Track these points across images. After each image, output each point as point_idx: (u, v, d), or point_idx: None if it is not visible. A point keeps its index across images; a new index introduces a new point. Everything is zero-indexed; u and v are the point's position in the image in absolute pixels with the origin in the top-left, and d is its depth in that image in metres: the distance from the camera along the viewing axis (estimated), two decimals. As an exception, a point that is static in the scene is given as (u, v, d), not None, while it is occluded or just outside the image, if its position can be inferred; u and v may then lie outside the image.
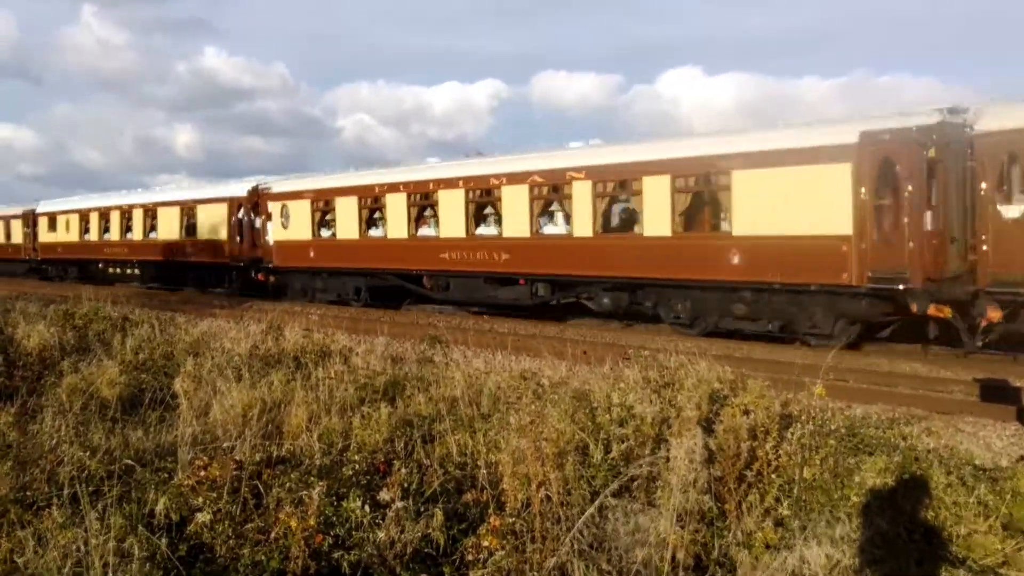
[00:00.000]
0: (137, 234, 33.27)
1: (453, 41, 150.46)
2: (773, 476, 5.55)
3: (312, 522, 4.67)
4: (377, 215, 23.04)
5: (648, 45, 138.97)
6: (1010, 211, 12.33)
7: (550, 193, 18.85)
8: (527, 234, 18.87)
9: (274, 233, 25.87)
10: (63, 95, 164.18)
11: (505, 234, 19.39)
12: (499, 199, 19.64)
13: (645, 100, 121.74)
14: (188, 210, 30.13)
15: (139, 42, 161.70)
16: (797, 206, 14.08)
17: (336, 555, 4.56)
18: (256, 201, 27.10)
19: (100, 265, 36.12)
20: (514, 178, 19.16)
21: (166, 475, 5.63)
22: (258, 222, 27.06)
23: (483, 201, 20.35)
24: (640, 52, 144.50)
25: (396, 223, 22.08)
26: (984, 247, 12.63)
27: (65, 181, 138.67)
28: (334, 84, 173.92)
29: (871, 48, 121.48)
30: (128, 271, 34.62)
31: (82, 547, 4.30)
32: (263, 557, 4.48)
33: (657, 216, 16.27)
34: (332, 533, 4.76)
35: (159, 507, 5.09)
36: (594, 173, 17.53)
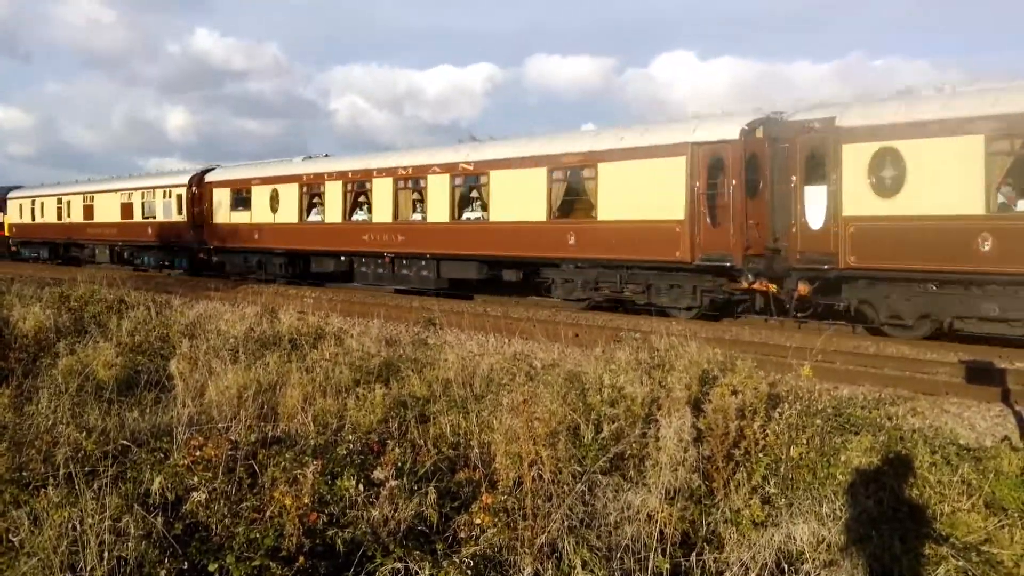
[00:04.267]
0: (437, 212, 20.71)
1: (446, 22, 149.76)
2: (760, 455, 5.64)
3: (307, 500, 4.73)
4: None
5: (641, 28, 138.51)
6: None
7: None
8: None
9: (852, 203, 13.50)
10: (53, 74, 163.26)
11: None
12: None
13: (639, 84, 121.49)
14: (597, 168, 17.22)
15: (129, 20, 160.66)
16: None
17: (330, 532, 4.62)
18: (754, 148, 15.25)
19: (357, 260, 23.54)
20: None
21: (162, 455, 5.67)
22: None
23: None
24: (634, 35, 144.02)
25: None
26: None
27: (55, 161, 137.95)
28: (327, 66, 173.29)
29: (865, 31, 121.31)
30: (417, 272, 21.50)
31: (78, 526, 4.33)
32: (258, 535, 4.54)
33: None
34: (326, 511, 4.83)
35: (155, 486, 5.13)
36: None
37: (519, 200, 18.80)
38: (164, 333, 11.11)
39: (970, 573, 4.62)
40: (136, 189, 33.86)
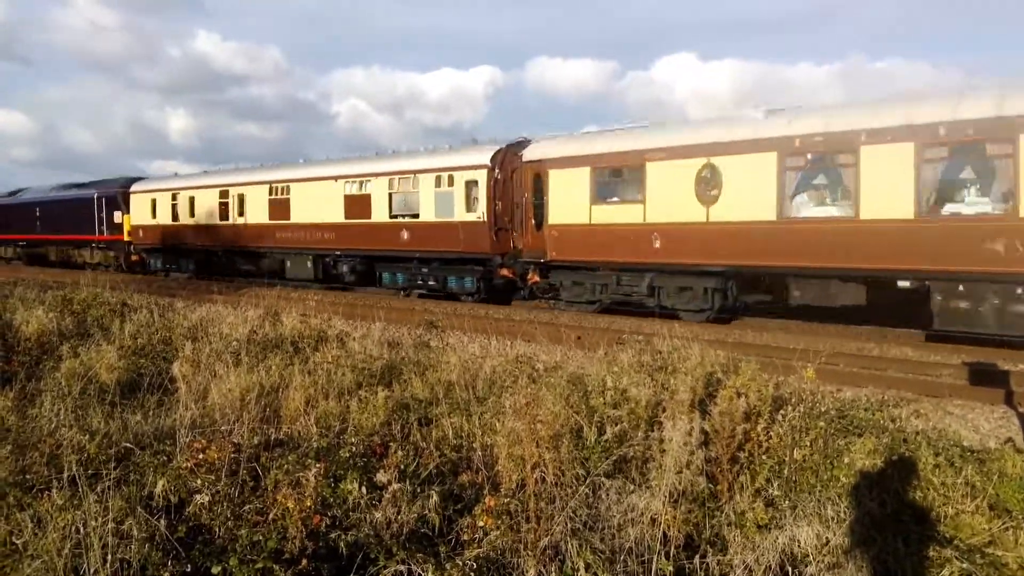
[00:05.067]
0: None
1: (447, 25, 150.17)
2: (764, 457, 5.63)
3: (309, 503, 4.73)
4: None
5: (643, 30, 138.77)
6: None
7: None
8: None
9: None
10: (54, 78, 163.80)
11: None
12: None
13: (640, 87, 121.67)
14: None
15: (130, 23, 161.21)
16: None
17: (333, 535, 4.62)
18: None
19: (947, 289, 12.89)
20: None
21: (165, 458, 5.68)
22: None
23: None
24: (636, 37, 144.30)
25: None
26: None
27: (58, 165, 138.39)
28: (328, 69, 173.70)
29: (867, 33, 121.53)
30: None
31: (81, 529, 4.33)
32: (261, 537, 4.54)
33: None
34: (329, 514, 4.83)
35: (158, 489, 5.14)
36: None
37: None
38: (167, 336, 11.13)
39: (974, 575, 4.61)
40: (378, 175, 23.00)
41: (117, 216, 34.42)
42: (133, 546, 4.32)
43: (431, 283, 22.30)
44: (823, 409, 6.34)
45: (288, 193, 26.24)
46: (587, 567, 4.39)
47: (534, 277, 19.62)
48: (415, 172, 22.10)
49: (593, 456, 5.63)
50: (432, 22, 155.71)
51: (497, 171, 20.11)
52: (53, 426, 6.39)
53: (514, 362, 8.75)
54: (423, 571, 4.23)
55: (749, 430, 5.70)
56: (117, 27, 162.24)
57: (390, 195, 22.76)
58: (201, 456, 5.36)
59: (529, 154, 19.47)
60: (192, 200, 30.59)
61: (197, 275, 30.20)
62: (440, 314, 15.80)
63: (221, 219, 28.88)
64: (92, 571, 4.09)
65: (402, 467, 5.44)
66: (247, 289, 22.32)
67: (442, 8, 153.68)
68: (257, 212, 27.38)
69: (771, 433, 5.74)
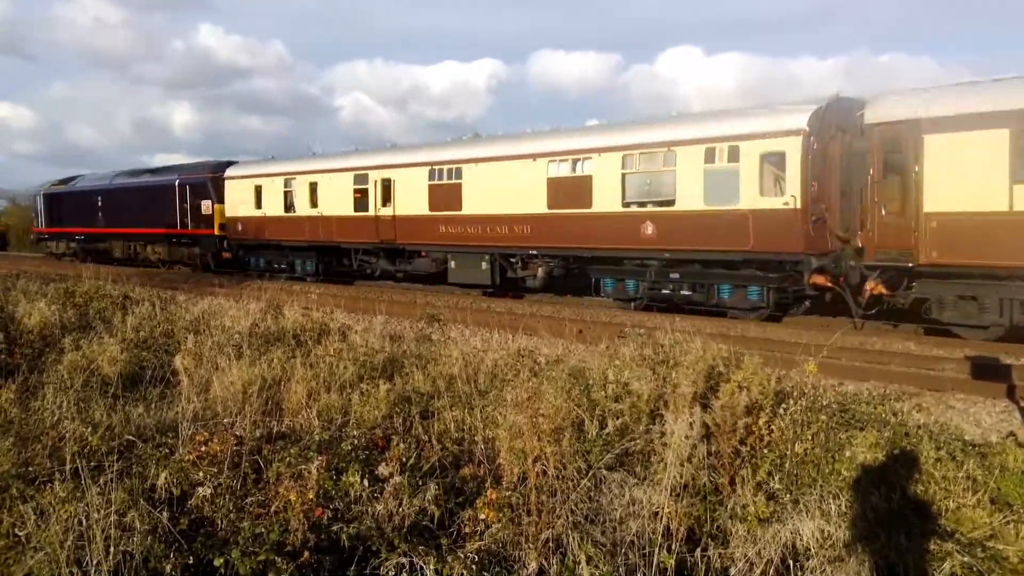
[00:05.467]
0: None
1: (450, 18, 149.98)
2: (766, 451, 5.63)
3: (311, 496, 4.75)
4: None
5: (648, 23, 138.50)
6: None
7: None
8: None
9: None
10: (58, 73, 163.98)
11: None
12: None
13: (644, 80, 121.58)
14: None
15: (135, 19, 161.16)
16: None
17: (335, 528, 4.64)
18: None
19: None
20: None
21: (167, 450, 5.70)
22: None
23: None
24: (640, 30, 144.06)
25: None
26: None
27: (62, 161, 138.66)
28: (332, 63, 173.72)
29: (866, 32, 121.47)
30: None
31: (83, 521, 4.34)
32: (263, 530, 4.55)
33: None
34: (331, 506, 4.85)
35: (160, 481, 5.16)
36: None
37: None
38: (169, 329, 11.15)
39: (975, 569, 4.61)
40: (604, 151, 17.67)
41: (205, 206, 29.10)
42: (135, 538, 4.33)
43: (684, 292, 16.69)
44: (825, 403, 6.34)
45: (458, 177, 20.88)
46: (588, 560, 4.39)
47: (878, 287, 13.96)
48: (669, 144, 16.48)
49: (595, 449, 5.63)
50: (435, 15, 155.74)
51: (815, 140, 14.46)
52: (55, 418, 6.41)
53: (516, 355, 8.76)
54: (424, 564, 4.24)
55: (751, 424, 5.70)
56: (122, 23, 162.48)
57: (623, 176, 17.33)
58: (203, 449, 5.38)
59: (881, 112, 13.69)
60: (314, 187, 25.05)
61: (323, 278, 25.22)
62: (442, 307, 15.79)
63: (357, 210, 23.60)
64: (94, 563, 4.10)
65: (404, 460, 5.44)
66: (248, 283, 22.35)
67: (442, 8, 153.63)
68: (411, 201, 21.99)
69: (773, 427, 5.74)
